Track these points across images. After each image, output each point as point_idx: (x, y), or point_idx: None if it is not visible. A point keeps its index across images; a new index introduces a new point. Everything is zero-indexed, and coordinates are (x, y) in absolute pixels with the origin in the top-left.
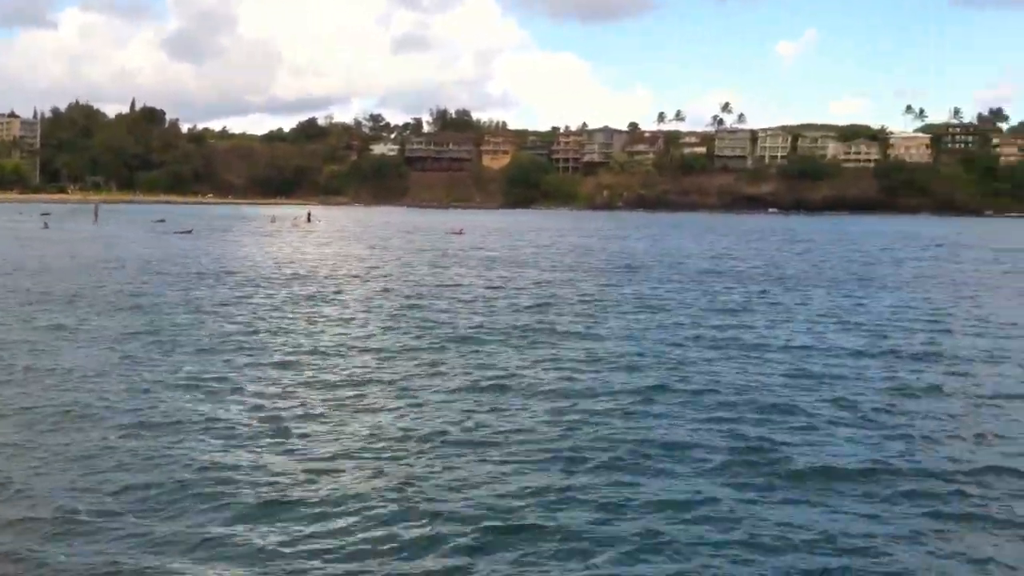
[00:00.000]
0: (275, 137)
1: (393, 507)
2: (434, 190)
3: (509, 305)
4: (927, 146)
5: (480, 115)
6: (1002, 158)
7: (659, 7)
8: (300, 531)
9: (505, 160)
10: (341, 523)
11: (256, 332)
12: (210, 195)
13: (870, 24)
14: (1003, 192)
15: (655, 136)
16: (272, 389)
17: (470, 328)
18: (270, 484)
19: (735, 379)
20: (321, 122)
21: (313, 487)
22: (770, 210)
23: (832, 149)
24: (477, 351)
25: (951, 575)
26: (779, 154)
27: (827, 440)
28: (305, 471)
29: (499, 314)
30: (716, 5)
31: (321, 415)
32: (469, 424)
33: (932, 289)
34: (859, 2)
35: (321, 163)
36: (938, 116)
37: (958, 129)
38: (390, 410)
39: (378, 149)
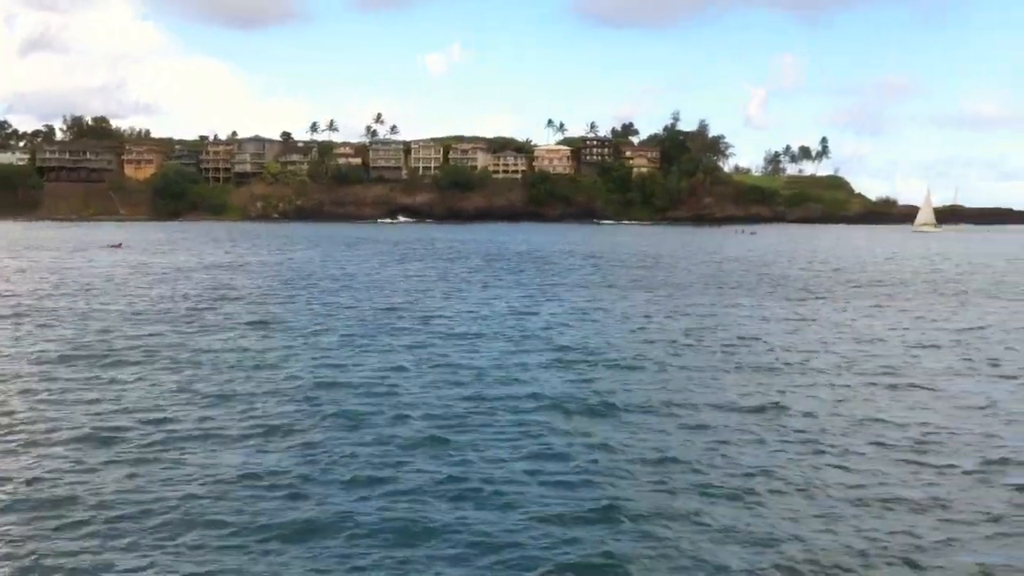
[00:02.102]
0: None
1: None
2: (71, 202)
3: None
4: (568, 158)
5: (120, 123)
6: (634, 169)
7: (307, 15)
8: None
9: (150, 170)
10: None
11: None
12: None
13: (513, 39)
14: (636, 201)
15: (308, 146)
16: None
17: None
18: None
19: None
20: None
21: None
22: (400, 218)
23: (482, 160)
24: None
25: None
26: (432, 165)
27: None
28: None
29: None
30: (363, 14)
31: None
32: None
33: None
34: (501, 18)
35: None
36: (577, 130)
37: (595, 142)
38: None
39: (4, 158)
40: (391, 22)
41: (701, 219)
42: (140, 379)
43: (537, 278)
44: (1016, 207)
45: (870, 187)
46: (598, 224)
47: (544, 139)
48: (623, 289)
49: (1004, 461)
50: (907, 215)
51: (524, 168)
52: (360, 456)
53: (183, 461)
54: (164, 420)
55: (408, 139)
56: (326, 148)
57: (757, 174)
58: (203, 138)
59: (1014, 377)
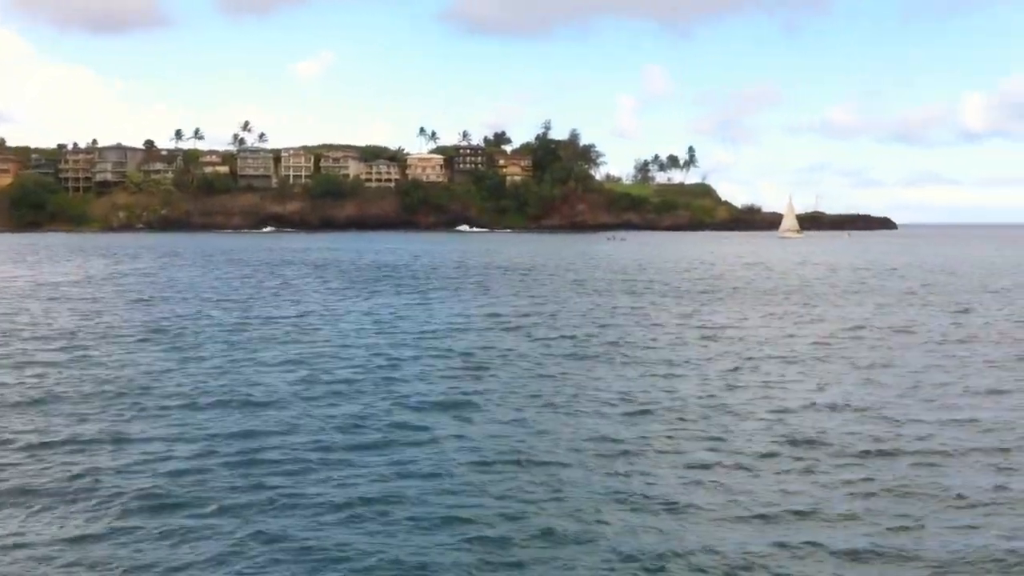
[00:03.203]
0: None
1: None
2: None
3: None
4: (441, 166)
5: None
6: (508, 178)
7: (172, 20)
8: None
9: (7, 180)
10: None
11: None
12: None
13: (384, 47)
14: (509, 209)
15: (173, 154)
16: None
17: None
18: None
19: None
20: None
21: None
22: (266, 229)
23: (354, 169)
24: None
25: None
26: (303, 174)
27: None
28: None
29: None
30: (230, 20)
31: None
32: None
33: None
34: (372, 25)
35: None
36: (450, 138)
37: (468, 151)
38: None
39: None
40: (260, 28)
41: (574, 226)
42: None
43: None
44: (874, 213)
45: (736, 194)
46: (469, 232)
47: (417, 147)
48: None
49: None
50: (772, 222)
51: (397, 176)
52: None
53: None
54: None
55: (278, 147)
56: (192, 156)
57: (628, 182)
58: (61, 146)
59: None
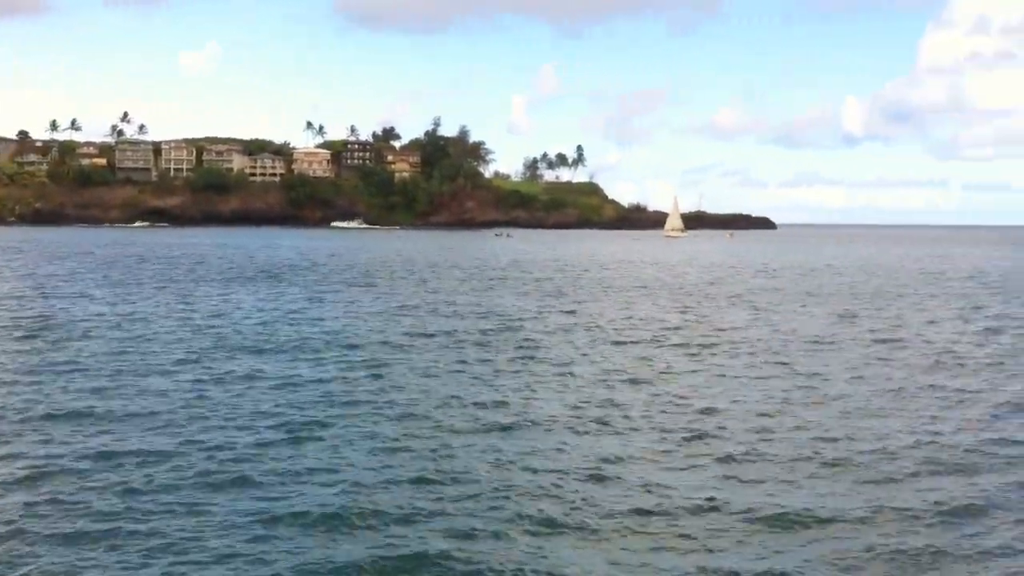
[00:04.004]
0: None
1: None
2: None
3: None
4: (329, 161)
5: None
6: (396, 174)
7: (48, 6)
8: None
9: None
10: None
11: None
12: None
13: (272, 40)
14: (398, 205)
15: (48, 145)
16: None
17: None
18: None
19: None
20: None
21: None
22: (137, 224)
23: (238, 162)
24: None
25: None
26: (185, 167)
27: None
28: None
29: None
30: (109, 8)
31: None
32: None
33: None
34: (259, 16)
35: None
36: (338, 133)
37: (356, 146)
38: None
39: None
40: (140, 17)
41: (463, 223)
42: None
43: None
44: (755, 213)
45: (623, 193)
46: (348, 227)
47: (303, 142)
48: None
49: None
50: (657, 220)
51: (283, 171)
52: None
53: None
54: None
55: (158, 139)
56: (68, 148)
57: (517, 180)
58: None
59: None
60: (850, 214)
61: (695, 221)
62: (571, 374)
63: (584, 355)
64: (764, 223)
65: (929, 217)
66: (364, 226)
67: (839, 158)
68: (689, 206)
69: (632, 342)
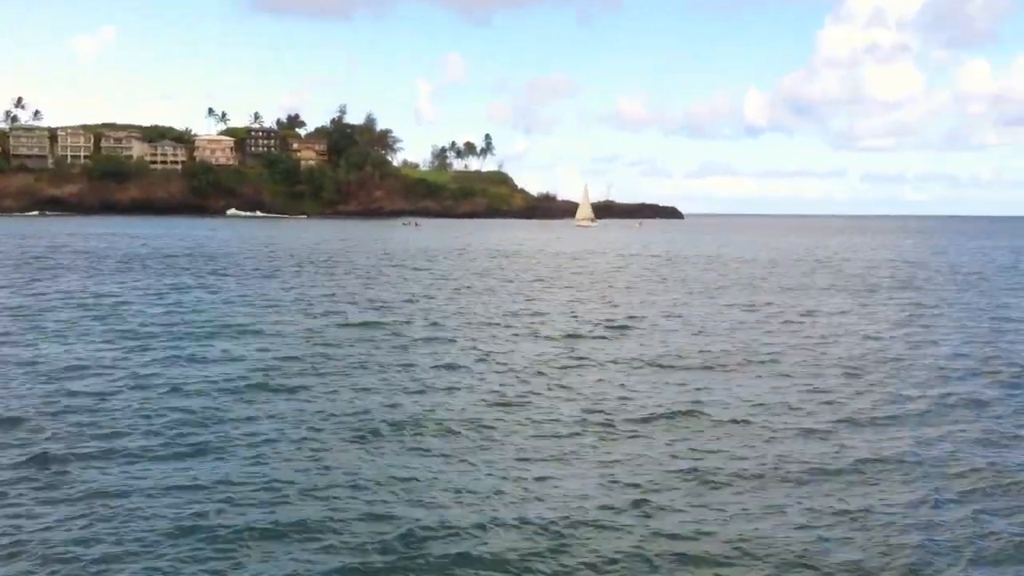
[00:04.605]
0: None
1: None
2: None
3: None
4: (232, 149)
5: None
6: (302, 162)
7: None
8: None
9: None
10: None
11: None
12: None
13: (171, 24)
14: (304, 194)
15: None
16: None
17: None
18: None
19: None
20: None
21: None
22: (32, 213)
23: (138, 150)
24: None
25: None
26: (82, 154)
27: None
28: None
29: None
30: None
31: None
32: None
33: None
34: (156, 2)
35: None
36: (241, 120)
37: (260, 133)
38: None
39: None
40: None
41: (371, 212)
42: None
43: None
44: (661, 203)
45: (531, 182)
46: (242, 216)
47: (206, 129)
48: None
49: None
50: (567, 210)
51: (184, 159)
52: None
53: None
54: None
55: (54, 126)
56: None
57: (425, 169)
58: None
59: None
60: (754, 204)
61: (604, 211)
62: (453, 367)
63: (479, 346)
64: (672, 212)
65: (827, 207)
66: (260, 215)
67: (743, 149)
68: (598, 195)
69: (537, 335)
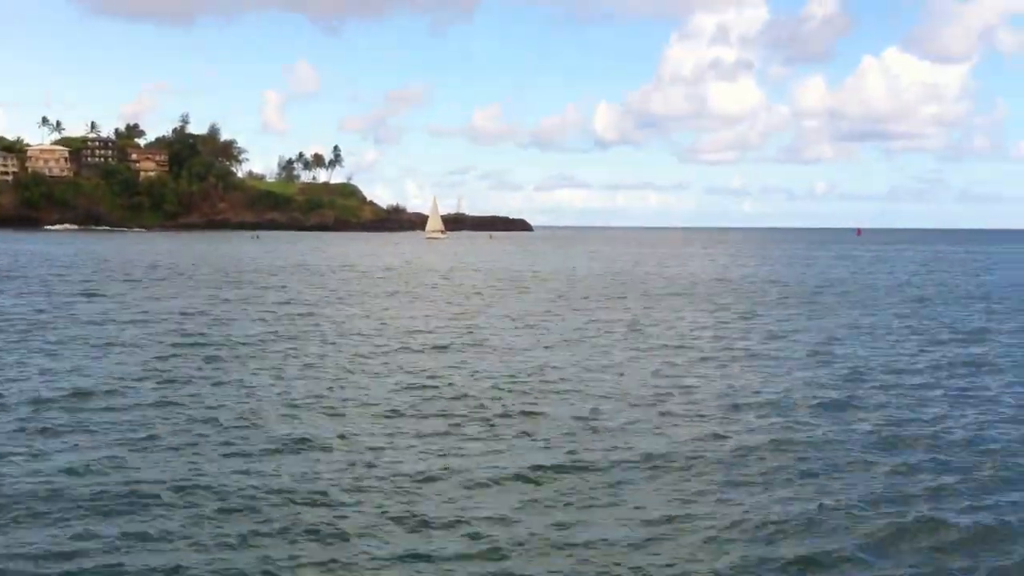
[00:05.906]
0: None
1: None
2: None
3: None
4: (66, 159)
5: None
6: (142, 173)
7: None
8: None
9: None
10: None
11: None
12: None
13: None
14: (144, 206)
15: None
16: None
17: None
18: None
19: None
20: None
21: None
22: None
23: None
24: None
25: None
26: None
27: None
28: None
29: None
30: None
31: None
32: None
33: None
34: None
35: None
36: (77, 130)
37: (97, 143)
38: None
39: None
40: None
41: (215, 224)
42: None
43: None
44: (511, 215)
45: (381, 195)
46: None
47: (38, 139)
48: None
49: None
50: (416, 222)
51: (15, 169)
52: None
53: None
54: None
55: None
56: None
57: (272, 180)
58: None
59: None
60: (601, 215)
61: (455, 223)
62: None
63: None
64: (521, 225)
65: (671, 219)
66: (74, 228)
67: (592, 162)
68: (448, 208)
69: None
